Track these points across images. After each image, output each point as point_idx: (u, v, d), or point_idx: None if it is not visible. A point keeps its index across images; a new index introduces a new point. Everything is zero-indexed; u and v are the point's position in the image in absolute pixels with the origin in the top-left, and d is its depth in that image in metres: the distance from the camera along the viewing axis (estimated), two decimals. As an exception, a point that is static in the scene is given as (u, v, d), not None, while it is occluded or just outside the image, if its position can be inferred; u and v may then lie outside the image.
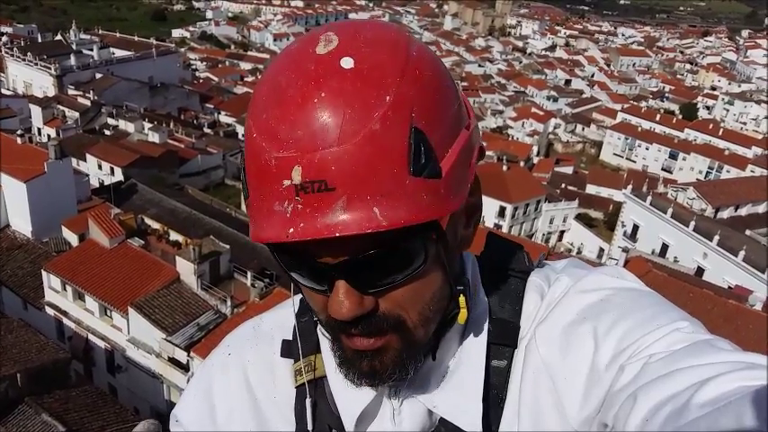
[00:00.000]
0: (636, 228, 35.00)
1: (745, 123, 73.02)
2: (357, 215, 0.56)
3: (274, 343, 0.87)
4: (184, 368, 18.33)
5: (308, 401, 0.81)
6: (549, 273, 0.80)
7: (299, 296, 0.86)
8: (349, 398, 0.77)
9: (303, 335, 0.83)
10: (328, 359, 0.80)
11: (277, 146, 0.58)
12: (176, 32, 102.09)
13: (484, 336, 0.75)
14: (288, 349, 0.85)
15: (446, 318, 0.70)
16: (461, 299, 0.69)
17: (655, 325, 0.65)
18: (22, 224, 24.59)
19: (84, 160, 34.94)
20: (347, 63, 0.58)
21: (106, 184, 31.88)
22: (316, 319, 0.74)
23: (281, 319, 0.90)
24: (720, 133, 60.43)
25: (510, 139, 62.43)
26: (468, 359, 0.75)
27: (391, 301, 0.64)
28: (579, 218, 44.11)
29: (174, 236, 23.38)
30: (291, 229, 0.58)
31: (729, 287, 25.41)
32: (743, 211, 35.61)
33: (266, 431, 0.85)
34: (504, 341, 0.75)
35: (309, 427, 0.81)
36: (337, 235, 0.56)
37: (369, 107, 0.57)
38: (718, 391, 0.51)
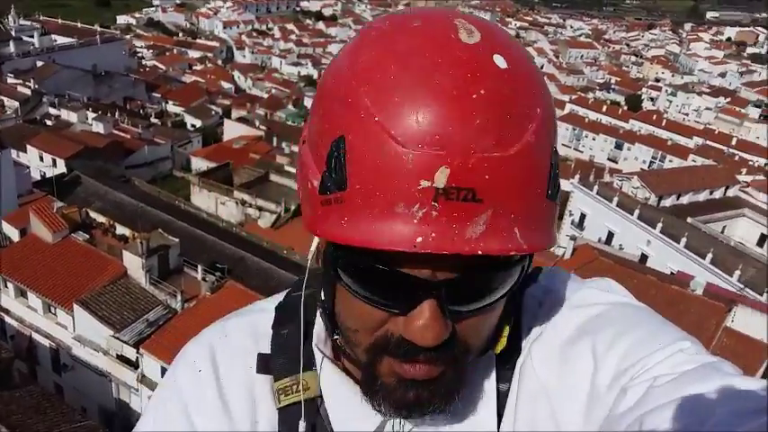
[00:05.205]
0: (583, 216, 35.77)
1: (687, 114, 75.32)
2: (499, 234, 0.51)
3: (248, 356, 0.74)
4: (134, 365, 18.03)
5: (301, 425, 0.69)
6: (537, 288, 0.75)
7: (275, 303, 0.78)
8: (350, 426, 0.70)
9: (283, 350, 0.73)
10: (327, 379, 0.72)
11: (419, 139, 0.50)
12: (121, 19, 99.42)
13: (492, 361, 0.71)
14: (265, 365, 0.73)
15: None
16: (506, 328, 0.67)
17: (657, 344, 0.61)
18: (-42, 219, 23.62)
19: (25, 152, 33.87)
20: (501, 62, 0.52)
21: (48, 176, 30.93)
22: (335, 336, 0.66)
23: (255, 326, 0.77)
24: (663, 124, 62.21)
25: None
26: (478, 386, 0.70)
27: (467, 326, 0.59)
28: (529, 207, 44.78)
29: (120, 229, 22.78)
30: (420, 239, 0.50)
31: (672, 273, 26.24)
32: (684, 200, 36.76)
33: None
34: (507, 364, 0.71)
35: None
36: (479, 253, 0.50)
37: (525, 117, 0.52)
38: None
